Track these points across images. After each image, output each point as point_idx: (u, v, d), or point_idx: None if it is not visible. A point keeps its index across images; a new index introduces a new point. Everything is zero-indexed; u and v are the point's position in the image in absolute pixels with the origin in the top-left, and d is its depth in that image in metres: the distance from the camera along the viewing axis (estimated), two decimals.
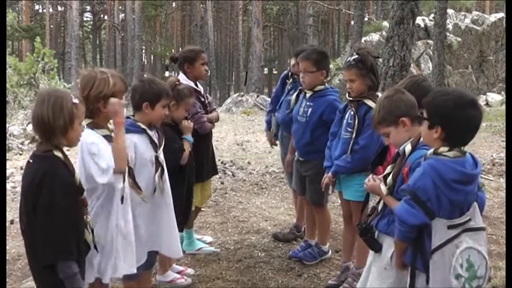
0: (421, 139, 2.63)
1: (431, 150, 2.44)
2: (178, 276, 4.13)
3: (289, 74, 4.97)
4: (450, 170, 2.37)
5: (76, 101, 2.57)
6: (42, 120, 2.48)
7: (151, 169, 3.33)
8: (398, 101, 2.79)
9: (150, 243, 3.43)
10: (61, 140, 2.53)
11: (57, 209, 2.45)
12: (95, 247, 2.76)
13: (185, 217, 3.94)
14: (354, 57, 3.74)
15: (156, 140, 3.37)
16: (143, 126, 3.32)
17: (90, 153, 2.75)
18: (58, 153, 2.52)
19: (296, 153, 4.49)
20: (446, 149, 2.41)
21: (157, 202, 3.41)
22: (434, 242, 2.39)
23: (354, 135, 3.78)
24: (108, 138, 2.87)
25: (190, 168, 3.96)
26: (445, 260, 2.39)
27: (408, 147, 2.70)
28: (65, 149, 2.60)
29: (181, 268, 4.29)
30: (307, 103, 4.28)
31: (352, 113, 3.82)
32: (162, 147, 3.41)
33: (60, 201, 2.46)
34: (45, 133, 2.52)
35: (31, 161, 2.55)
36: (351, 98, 3.84)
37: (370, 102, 3.72)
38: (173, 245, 3.57)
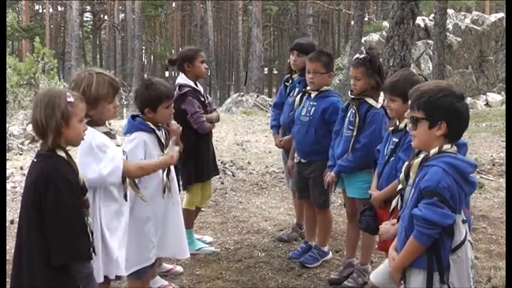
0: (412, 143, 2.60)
1: (435, 150, 2.43)
2: (166, 283, 4.01)
3: (289, 76, 4.92)
4: (466, 165, 2.42)
5: (71, 99, 2.51)
6: (36, 123, 2.49)
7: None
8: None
9: (158, 250, 3.47)
10: (58, 141, 2.50)
11: (67, 208, 2.45)
12: (93, 250, 2.75)
13: None
14: (363, 56, 3.79)
15: (163, 140, 3.43)
16: (152, 126, 3.39)
17: (101, 150, 2.85)
18: (61, 153, 2.51)
19: (297, 156, 4.47)
20: (449, 146, 2.44)
21: (166, 203, 3.48)
22: (457, 239, 2.41)
23: (355, 133, 3.81)
24: (108, 135, 2.95)
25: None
26: (467, 255, 2.43)
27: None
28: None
29: (170, 266, 4.26)
30: (311, 103, 4.29)
31: (353, 111, 3.85)
32: (168, 148, 3.45)
33: (68, 199, 2.45)
34: (42, 135, 2.51)
35: (35, 160, 2.55)
36: (353, 96, 3.87)
37: (371, 101, 3.76)
38: (180, 246, 3.60)
